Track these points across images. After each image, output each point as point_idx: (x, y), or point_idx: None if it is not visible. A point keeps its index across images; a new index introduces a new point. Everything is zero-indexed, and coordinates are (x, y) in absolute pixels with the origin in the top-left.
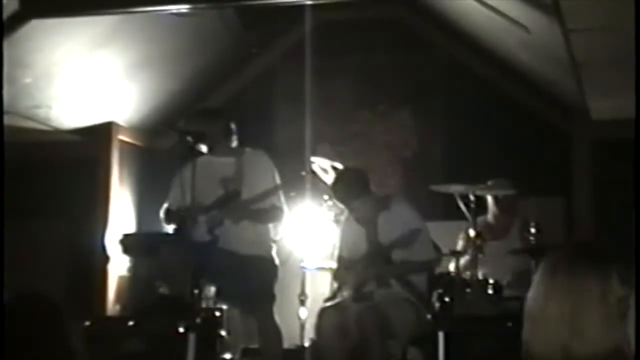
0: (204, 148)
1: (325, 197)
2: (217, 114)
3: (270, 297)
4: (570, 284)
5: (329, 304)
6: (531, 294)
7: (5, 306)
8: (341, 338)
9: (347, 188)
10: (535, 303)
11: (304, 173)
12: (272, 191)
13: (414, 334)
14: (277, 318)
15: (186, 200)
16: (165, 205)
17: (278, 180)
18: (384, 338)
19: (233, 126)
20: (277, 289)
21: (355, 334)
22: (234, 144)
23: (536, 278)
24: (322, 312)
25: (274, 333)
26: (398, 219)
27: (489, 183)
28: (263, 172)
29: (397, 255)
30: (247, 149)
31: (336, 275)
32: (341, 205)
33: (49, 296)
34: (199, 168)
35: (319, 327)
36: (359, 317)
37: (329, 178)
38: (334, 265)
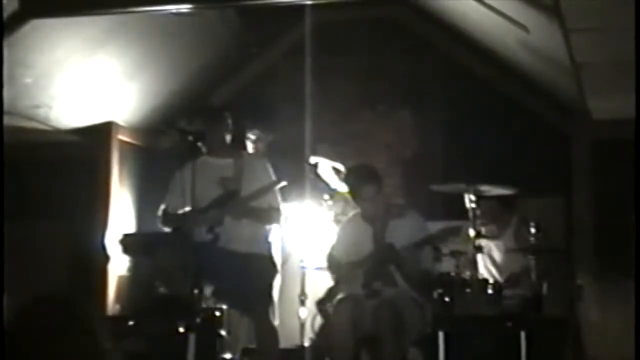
0: (203, 148)
1: (325, 197)
2: (216, 112)
3: (268, 298)
4: None
5: (341, 295)
6: None
7: (23, 308)
8: (355, 329)
9: (359, 174)
10: None
11: (306, 165)
12: (270, 187)
13: (419, 333)
14: (273, 319)
15: (186, 201)
16: (163, 207)
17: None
18: (398, 334)
19: (230, 123)
20: (278, 289)
21: (369, 327)
22: (231, 143)
23: None
24: (338, 303)
25: (270, 334)
26: (410, 229)
27: (489, 183)
28: (261, 174)
29: (406, 261)
30: (245, 151)
31: (336, 271)
32: (350, 197)
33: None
34: (198, 169)
35: (333, 318)
36: (376, 311)
37: (330, 179)
38: (330, 264)
